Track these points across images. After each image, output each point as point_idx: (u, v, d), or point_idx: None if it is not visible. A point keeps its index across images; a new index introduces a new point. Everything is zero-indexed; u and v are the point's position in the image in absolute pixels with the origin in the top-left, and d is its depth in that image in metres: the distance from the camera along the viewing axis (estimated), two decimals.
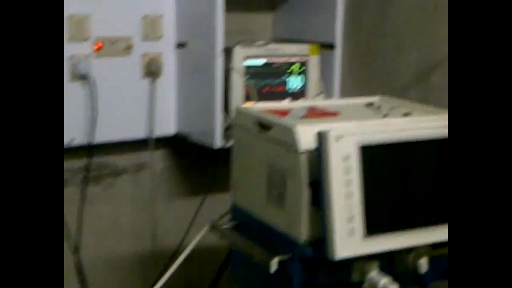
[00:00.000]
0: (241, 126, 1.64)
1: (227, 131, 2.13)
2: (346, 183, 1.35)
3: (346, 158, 1.37)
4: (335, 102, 1.87)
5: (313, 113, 1.62)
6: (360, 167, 1.37)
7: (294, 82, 2.28)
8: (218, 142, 2.11)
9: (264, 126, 1.55)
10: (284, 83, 2.27)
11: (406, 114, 1.58)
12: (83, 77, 2.09)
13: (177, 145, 2.39)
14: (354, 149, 1.37)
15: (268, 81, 2.25)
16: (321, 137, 1.36)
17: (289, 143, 1.45)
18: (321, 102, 1.91)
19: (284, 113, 1.62)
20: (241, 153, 1.67)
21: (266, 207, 1.53)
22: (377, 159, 1.40)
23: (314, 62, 2.28)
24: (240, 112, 1.66)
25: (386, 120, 1.55)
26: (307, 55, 2.27)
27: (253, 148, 1.60)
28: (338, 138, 1.36)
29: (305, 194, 1.40)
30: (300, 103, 1.75)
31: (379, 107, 1.69)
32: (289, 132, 1.44)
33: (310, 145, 1.41)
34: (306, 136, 1.43)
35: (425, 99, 1.91)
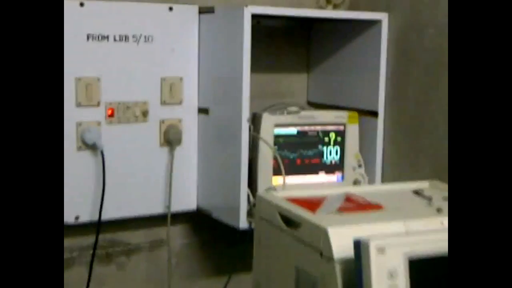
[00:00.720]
0: (264, 217, 1.38)
1: (253, 210, 1.87)
2: None
3: (391, 274, 1.09)
4: (378, 188, 1.59)
5: (351, 206, 1.36)
6: (409, 285, 1.10)
7: (330, 154, 2.02)
8: (243, 223, 1.86)
9: (291, 222, 1.29)
10: (319, 154, 2.01)
11: None
12: (92, 147, 1.86)
13: (198, 220, 2.15)
14: (401, 263, 1.10)
15: (301, 152, 1.99)
16: (360, 248, 1.10)
17: (320, 247, 1.19)
18: (360, 188, 1.64)
19: (315, 204, 1.35)
20: (263, 249, 1.41)
21: None
22: (430, 276, 1.12)
23: (352, 132, 2.02)
24: (262, 200, 1.40)
25: (441, 218, 1.27)
26: (344, 124, 2.01)
27: (277, 245, 1.35)
28: (381, 250, 1.09)
29: None
30: (335, 189, 1.48)
31: (430, 199, 1.41)
32: (321, 235, 1.18)
33: (346, 252, 1.15)
34: (341, 240, 1.17)
35: None
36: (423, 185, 1.52)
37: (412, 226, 1.22)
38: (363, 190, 1.51)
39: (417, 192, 1.47)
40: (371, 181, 2.03)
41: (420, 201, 1.41)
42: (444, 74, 1.84)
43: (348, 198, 1.41)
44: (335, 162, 2.03)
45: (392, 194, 1.47)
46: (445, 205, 1.35)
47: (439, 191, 1.47)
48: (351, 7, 2.19)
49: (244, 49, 1.80)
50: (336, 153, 2.03)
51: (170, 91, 1.97)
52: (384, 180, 2.03)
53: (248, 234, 1.79)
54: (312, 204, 1.36)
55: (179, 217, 2.11)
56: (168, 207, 2.01)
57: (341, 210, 1.33)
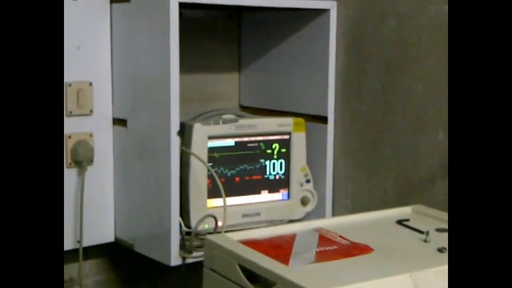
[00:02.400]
0: (217, 269, 1.05)
1: (186, 241, 1.54)
2: None
3: None
4: (351, 218, 1.28)
5: (331, 249, 1.05)
6: None
7: (273, 168, 1.71)
8: (175, 259, 1.54)
9: (257, 279, 0.96)
10: (261, 169, 1.70)
11: None
12: None
13: (116, 252, 1.81)
14: None
15: (240, 167, 1.68)
16: None
17: None
18: (330, 221, 1.33)
19: (283, 248, 1.04)
20: None
21: None
22: None
23: (299, 141, 1.73)
24: (213, 246, 1.07)
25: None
26: (289, 132, 1.71)
27: None
28: None
29: None
30: (301, 225, 1.17)
31: (422, 232, 1.12)
32: None
33: None
34: None
35: None
36: (405, 211, 1.24)
37: (421, 281, 0.92)
38: (335, 223, 1.21)
39: (401, 223, 1.18)
40: (321, 198, 1.74)
41: (412, 236, 1.13)
42: (407, 71, 1.57)
43: (322, 237, 1.10)
44: (280, 178, 1.72)
45: (372, 227, 1.18)
46: (444, 241, 1.07)
47: (426, 219, 1.20)
48: None
49: (171, 45, 1.51)
50: (281, 167, 1.72)
51: (77, 99, 1.64)
52: (336, 197, 1.75)
53: (180, 271, 1.48)
54: (279, 249, 1.05)
55: (93, 250, 1.80)
56: (79, 241, 1.65)
57: (320, 257, 1.02)
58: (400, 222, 1.19)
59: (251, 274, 0.99)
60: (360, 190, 1.70)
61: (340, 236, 1.11)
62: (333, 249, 1.05)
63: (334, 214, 1.75)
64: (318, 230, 1.15)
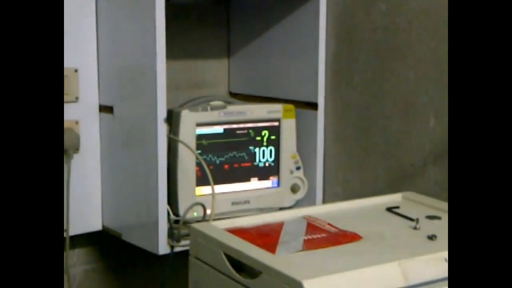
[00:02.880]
0: (203, 258, 1.03)
1: (174, 230, 1.52)
2: None
3: None
4: (340, 206, 1.25)
5: (319, 237, 1.02)
6: None
7: (263, 156, 1.69)
8: (163, 248, 1.51)
9: (243, 268, 0.94)
10: (250, 156, 1.67)
11: None
12: None
13: (103, 241, 1.79)
14: None
15: (229, 154, 1.65)
16: None
17: None
18: (318, 208, 1.31)
19: (269, 237, 1.01)
20: None
21: None
22: None
23: (288, 128, 1.70)
24: (198, 234, 1.05)
25: (441, 254, 0.95)
26: (279, 119, 1.69)
27: None
28: None
29: None
30: (289, 213, 1.14)
31: (412, 219, 1.10)
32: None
33: None
34: None
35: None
36: (395, 198, 1.22)
37: (410, 269, 0.90)
38: (323, 211, 1.18)
39: (392, 210, 1.16)
40: (312, 186, 1.72)
41: (402, 223, 1.11)
42: (398, 57, 1.54)
43: (311, 225, 1.08)
44: (269, 165, 1.70)
45: (362, 214, 1.16)
46: (434, 228, 1.05)
47: (417, 206, 1.17)
48: None
49: (157, 31, 1.48)
50: (270, 155, 1.70)
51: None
52: (326, 185, 1.72)
53: (168, 259, 1.46)
54: (266, 237, 1.02)
55: (80, 239, 1.77)
56: (66, 230, 1.62)
57: (308, 245, 0.99)
58: (390, 209, 1.17)
59: (237, 263, 0.97)
60: (351, 177, 1.68)
61: (329, 224, 1.09)
62: (321, 237, 1.03)
63: (324, 201, 1.73)
64: (306, 218, 1.12)
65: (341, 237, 1.03)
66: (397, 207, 1.18)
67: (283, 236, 1.03)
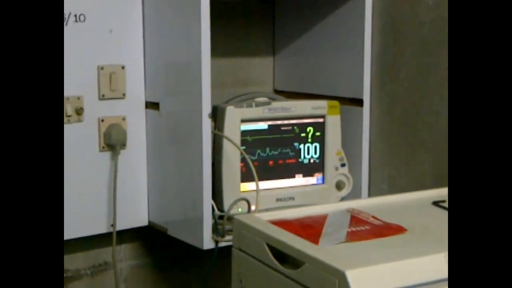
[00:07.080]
0: (245, 249, 1.03)
1: (219, 225, 1.52)
2: None
3: None
4: (384, 200, 1.24)
5: (363, 229, 1.02)
6: None
7: (308, 152, 1.68)
8: (207, 242, 1.53)
9: (286, 258, 0.94)
10: (295, 153, 1.67)
11: None
12: None
13: (150, 237, 1.82)
14: None
15: (274, 151, 1.65)
16: None
17: None
18: (363, 202, 1.30)
19: (313, 228, 1.01)
20: None
21: None
22: None
23: (333, 124, 1.69)
24: (242, 225, 1.05)
25: None
26: (324, 115, 1.68)
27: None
28: None
29: None
30: (333, 206, 1.14)
31: None
32: (336, 279, 0.83)
33: None
34: (363, 285, 0.82)
35: None
36: (442, 192, 1.20)
37: None
38: (367, 204, 1.17)
39: (438, 204, 1.14)
40: (357, 183, 1.71)
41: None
42: (445, 52, 1.52)
43: (354, 218, 1.07)
44: (314, 162, 1.69)
45: (407, 208, 1.14)
46: None
47: None
48: None
49: (202, 28, 1.49)
50: (315, 151, 1.69)
51: (110, 83, 1.63)
52: (372, 181, 1.71)
53: (213, 255, 1.48)
54: (310, 229, 1.02)
55: (127, 234, 1.80)
56: (113, 225, 1.65)
57: (352, 237, 0.99)
58: (436, 203, 1.16)
59: (279, 253, 0.97)
60: (397, 174, 1.66)
61: (373, 217, 1.08)
62: (365, 229, 1.02)
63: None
64: (350, 210, 1.12)
65: (385, 230, 1.02)
66: (444, 201, 1.16)
67: (326, 228, 1.03)
